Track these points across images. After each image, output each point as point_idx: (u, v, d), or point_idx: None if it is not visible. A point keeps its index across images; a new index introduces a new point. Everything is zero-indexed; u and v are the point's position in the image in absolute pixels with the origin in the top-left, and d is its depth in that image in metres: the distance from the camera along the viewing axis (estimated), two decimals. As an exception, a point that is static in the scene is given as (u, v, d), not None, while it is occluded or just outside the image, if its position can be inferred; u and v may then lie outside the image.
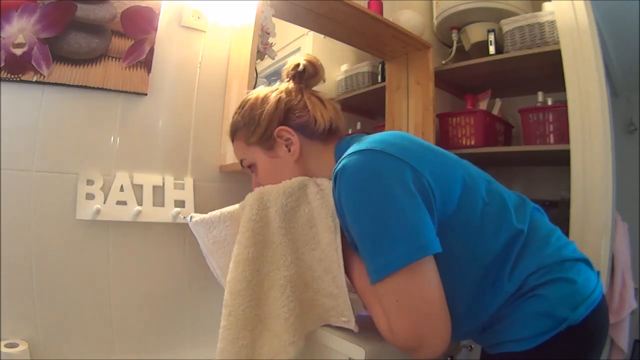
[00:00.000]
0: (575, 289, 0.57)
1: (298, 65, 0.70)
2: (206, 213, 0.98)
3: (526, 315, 0.57)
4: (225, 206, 1.02)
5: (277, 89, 0.71)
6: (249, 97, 0.73)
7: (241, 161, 0.75)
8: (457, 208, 0.57)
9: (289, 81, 0.72)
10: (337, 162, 0.58)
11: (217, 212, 0.77)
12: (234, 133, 0.74)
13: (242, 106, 0.73)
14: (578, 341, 0.57)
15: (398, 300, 0.52)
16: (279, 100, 0.68)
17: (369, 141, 0.57)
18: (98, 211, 0.82)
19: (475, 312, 0.59)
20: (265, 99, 0.69)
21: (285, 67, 0.73)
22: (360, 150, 0.55)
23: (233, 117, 0.74)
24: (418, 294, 0.51)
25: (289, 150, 0.68)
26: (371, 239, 0.53)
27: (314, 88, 0.74)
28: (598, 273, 0.64)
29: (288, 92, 0.70)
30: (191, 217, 0.81)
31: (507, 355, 0.59)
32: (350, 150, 0.57)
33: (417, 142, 0.61)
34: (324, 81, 0.71)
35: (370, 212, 0.53)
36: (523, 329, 0.57)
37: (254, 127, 0.69)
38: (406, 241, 0.51)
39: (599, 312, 0.59)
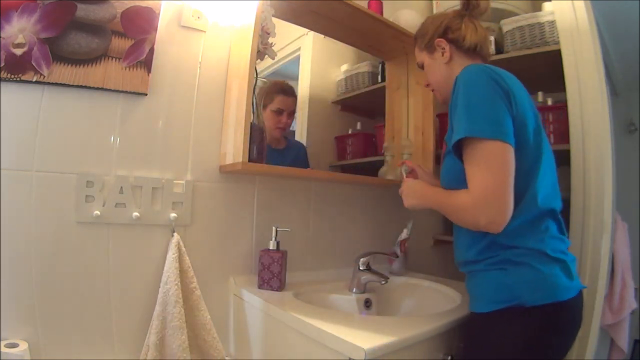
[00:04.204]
0: (539, 277, 0.70)
1: None
2: (206, 213, 0.99)
3: (490, 282, 0.74)
4: (225, 206, 1.03)
5: (446, 14, 0.94)
6: (427, 17, 0.98)
7: (419, 62, 0.99)
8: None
9: (460, 8, 0.94)
10: None
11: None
12: (414, 40, 0.98)
13: (423, 22, 0.97)
14: (525, 323, 0.69)
15: (486, 162, 0.68)
16: (442, 21, 0.91)
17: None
18: (97, 216, 0.83)
19: (470, 236, 0.77)
20: (434, 19, 0.94)
21: None
22: (477, 64, 0.77)
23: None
24: (502, 169, 0.67)
25: (442, 55, 0.90)
26: (475, 109, 0.71)
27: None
28: (578, 287, 0.74)
29: (452, 16, 0.92)
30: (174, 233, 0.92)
31: (471, 314, 0.79)
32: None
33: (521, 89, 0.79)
34: (486, 11, 0.92)
35: (476, 92, 0.72)
36: (485, 290, 0.75)
37: (424, 37, 0.94)
38: (494, 123, 0.68)
39: (559, 309, 0.69)
